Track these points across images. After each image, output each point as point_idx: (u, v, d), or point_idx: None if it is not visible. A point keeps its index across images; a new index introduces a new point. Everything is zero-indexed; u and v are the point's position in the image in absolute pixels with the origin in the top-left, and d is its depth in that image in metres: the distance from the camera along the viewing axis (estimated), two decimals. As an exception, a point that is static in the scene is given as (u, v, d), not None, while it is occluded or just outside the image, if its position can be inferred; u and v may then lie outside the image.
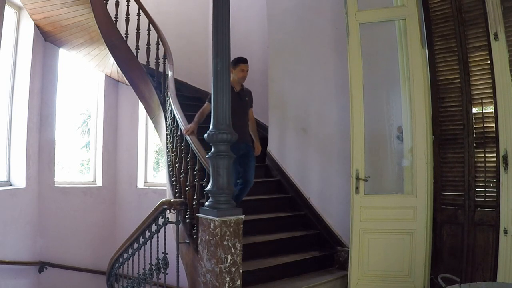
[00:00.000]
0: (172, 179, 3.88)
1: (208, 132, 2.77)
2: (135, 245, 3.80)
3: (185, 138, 3.48)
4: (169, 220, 3.31)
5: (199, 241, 2.87)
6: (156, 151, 7.29)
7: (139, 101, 5.54)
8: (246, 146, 3.76)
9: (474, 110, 3.21)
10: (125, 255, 4.11)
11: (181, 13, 6.67)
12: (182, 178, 3.53)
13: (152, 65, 5.18)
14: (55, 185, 5.92)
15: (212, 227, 2.68)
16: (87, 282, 5.99)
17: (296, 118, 4.53)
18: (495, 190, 3.02)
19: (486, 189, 3.12)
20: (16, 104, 5.24)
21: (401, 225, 3.26)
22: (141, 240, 3.65)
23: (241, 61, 3.73)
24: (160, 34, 5.20)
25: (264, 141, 4.57)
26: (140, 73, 5.12)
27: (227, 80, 2.74)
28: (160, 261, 3.30)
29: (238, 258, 2.72)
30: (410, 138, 3.32)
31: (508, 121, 2.92)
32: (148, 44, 5.22)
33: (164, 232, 3.29)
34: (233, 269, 2.68)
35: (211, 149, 2.75)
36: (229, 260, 2.65)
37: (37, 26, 5.27)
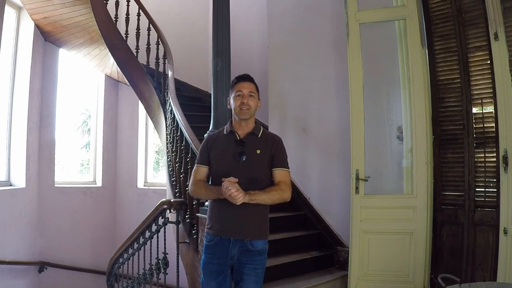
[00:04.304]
0: (172, 179, 3.88)
1: (208, 132, 2.77)
2: (135, 245, 3.81)
3: (185, 138, 3.48)
4: (169, 220, 3.32)
5: (199, 241, 2.87)
6: (156, 151, 7.29)
7: (139, 101, 5.55)
8: (243, 246, 2.08)
9: (474, 110, 3.21)
10: (125, 255, 4.11)
11: (181, 13, 6.67)
12: (182, 178, 3.53)
13: (152, 65, 5.18)
14: (55, 185, 5.92)
15: (212, 227, 2.67)
16: (87, 282, 5.99)
17: (296, 118, 4.53)
18: (495, 190, 3.02)
19: (486, 189, 3.11)
20: (16, 104, 5.23)
21: (401, 225, 3.26)
22: (141, 240, 3.66)
23: (236, 79, 2.16)
24: (160, 34, 5.21)
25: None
26: (140, 73, 5.12)
27: (227, 80, 2.75)
28: (160, 261, 3.30)
29: (238, 258, 2.71)
30: (410, 138, 3.32)
31: (508, 121, 2.91)
32: (148, 44, 5.22)
33: (164, 232, 3.30)
34: (233, 269, 2.67)
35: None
36: (229, 260, 2.65)
37: (37, 26, 5.27)
